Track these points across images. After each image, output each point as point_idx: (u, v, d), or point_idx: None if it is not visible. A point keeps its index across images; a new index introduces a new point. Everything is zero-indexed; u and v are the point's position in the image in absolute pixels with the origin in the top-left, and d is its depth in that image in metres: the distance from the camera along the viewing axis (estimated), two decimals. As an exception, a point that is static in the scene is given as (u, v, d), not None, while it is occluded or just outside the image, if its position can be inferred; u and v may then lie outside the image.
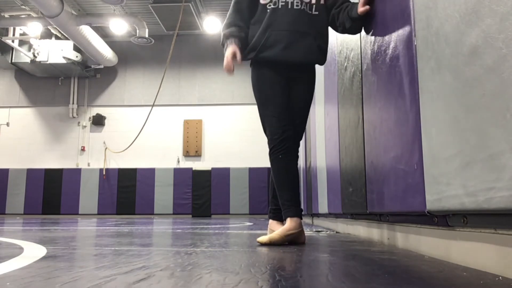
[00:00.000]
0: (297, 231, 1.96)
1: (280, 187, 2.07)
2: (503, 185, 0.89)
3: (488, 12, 0.93)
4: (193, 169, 11.90)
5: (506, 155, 0.87)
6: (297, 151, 2.19)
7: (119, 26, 10.29)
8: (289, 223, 1.97)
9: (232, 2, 2.22)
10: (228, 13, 2.22)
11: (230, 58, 2.07)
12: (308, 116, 2.29)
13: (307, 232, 2.94)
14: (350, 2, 2.13)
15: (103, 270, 1.10)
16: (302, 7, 2.11)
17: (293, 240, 1.96)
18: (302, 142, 6.19)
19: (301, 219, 2.03)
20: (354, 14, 1.99)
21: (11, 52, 11.61)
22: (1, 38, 10.67)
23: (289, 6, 2.10)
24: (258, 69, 2.17)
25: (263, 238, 1.95)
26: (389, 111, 1.65)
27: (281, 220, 2.19)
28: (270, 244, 1.90)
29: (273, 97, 2.11)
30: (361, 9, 1.92)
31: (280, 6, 2.11)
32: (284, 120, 2.07)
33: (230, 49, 2.09)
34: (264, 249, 1.74)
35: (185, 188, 11.70)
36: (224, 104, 11.58)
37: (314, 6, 2.13)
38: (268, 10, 2.12)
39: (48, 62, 11.54)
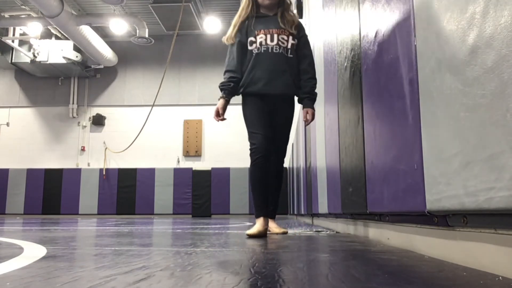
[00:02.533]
0: (267, 227, 2.64)
1: (255, 192, 2.67)
2: (503, 185, 0.89)
3: (488, 12, 0.93)
4: (193, 169, 11.91)
5: (506, 155, 0.87)
6: (280, 161, 2.85)
7: (119, 26, 10.29)
8: (263, 221, 2.59)
9: (228, 49, 2.76)
10: (226, 58, 2.76)
11: (215, 115, 2.74)
12: (289, 137, 2.89)
13: (307, 232, 2.94)
14: (305, 63, 2.76)
15: (103, 270, 1.10)
16: (281, 51, 2.67)
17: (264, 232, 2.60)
18: (302, 142, 6.19)
19: (268, 217, 2.69)
20: (299, 100, 2.79)
21: (11, 52, 11.62)
22: (1, 38, 10.67)
23: (270, 51, 2.66)
24: (246, 100, 2.73)
25: (252, 231, 2.51)
26: (389, 111, 1.65)
27: (273, 218, 2.89)
28: (259, 235, 2.50)
29: (256, 119, 2.67)
30: (304, 119, 2.77)
31: (262, 51, 2.67)
32: (263, 136, 2.61)
33: (217, 105, 2.73)
34: (264, 249, 1.74)
35: (185, 188, 11.70)
36: (224, 104, 11.55)
37: (289, 50, 2.71)
38: (253, 54, 2.67)
39: (48, 62, 11.54)
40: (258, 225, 2.57)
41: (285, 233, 2.75)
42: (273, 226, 2.83)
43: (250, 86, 2.67)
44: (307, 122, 2.77)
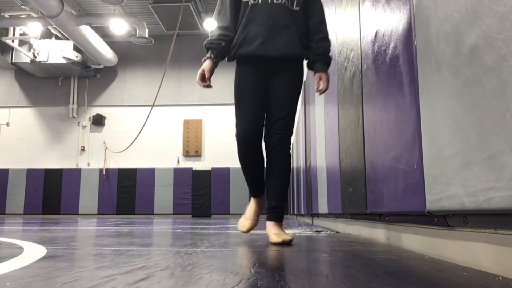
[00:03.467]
0: (255, 211, 2.30)
1: (244, 173, 2.26)
2: (503, 185, 0.89)
3: (488, 12, 0.93)
4: (193, 169, 11.91)
5: (506, 155, 0.87)
6: (283, 145, 2.13)
7: (119, 26, 10.29)
8: (257, 201, 2.31)
9: (218, 2, 2.24)
10: (215, 13, 2.23)
11: (199, 78, 2.12)
12: (296, 112, 2.22)
13: (307, 232, 2.94)
14: (316, 16, 2.19)
15: (103, 270, 1.10)
16: (283, 2, 2.10)
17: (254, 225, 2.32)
18: (302, 142, 6.18)
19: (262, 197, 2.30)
20: (309, 65, 2.19)
21: (11, 52, 11.61)
22: (1, 38, 10.67)
23: (269, 1, 2.09)
24: (238, 68, 2.17)
25: (244, 227, 2.32)
26: (389, 111, 1.65)
27: (278, 221, 2.13)
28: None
29: (245, 96, 2.13)
30: (316, 87, 2.13)
31: (260, 2, 2.10)
32: (251, 121, 2.11)
33: (203, 67, 2.13)
34: (263, 249, 1.74)
35: (185, 188, 11.70)
36: (224, 104, 11.58)
37: (295, 2, 2.13)
38: (249, 6, 2.12)
39: (48, 62, 11.54)
40: (247, 210, 2.32)
41: (289, 241, 1.95)
42: (273, 231, 2.05)
43: (243, 46, 2.11)
44: (320, 91, 2.13)
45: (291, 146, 2.20)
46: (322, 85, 2.11)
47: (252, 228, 2.30)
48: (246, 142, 2.12)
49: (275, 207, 2.13)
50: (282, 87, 2.14)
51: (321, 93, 2.15)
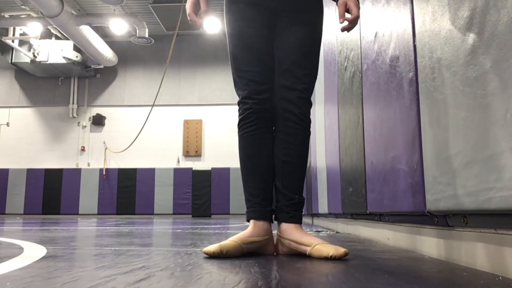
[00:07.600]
0: (263, 239, 1.47)
1: (246, 175, 1.60)
2: (503, 185, 0.89)
3: (488, 11, 0.93)
4: (193, 169, 11.91)
5: (506, 155, 0.87)
6: (301, 111, 1.51)
7: (119, 26, 10.29)
8: (252, 227, 1.48)
9: None
10: None
11: (191, 10, 1.52)
12: (318, 65, 1.59)
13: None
14: None
15: (103, 270, 1.10)
16: None
17: (256, 251, 1.46)
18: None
19: (271, 222, 1.52)
20: None
21: (11, 52, 11.61)
22: (1, 38, 10.67)
23: None
24: (231, 6, 1.57)
25: (211, 248, 1.39)
26: (389, 111, 1.65)
27: (300, 223, 1.56)
28: (222, 254, 1.35)
29: (247, 43, 1.52)
30: (340, 20, 1.46)
31: None
32: (260, 74, 1.51)
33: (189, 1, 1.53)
34: (264, 249, 1.74)
35: (185, 188, 11.70)
36: (224, 104, 11.57)
37: None
38: None
39: (48, 62, 11.54)
40: (241, 234, 1.47)
41: (344, 254, 1.39)
42: (312, 240, 1.47)
43: None
44: (348, 25, 1.46)
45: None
46: (352, 13, 1.44)
47: (225, 250, 1.36)
48: (257, 106, 1.49)
49: (299, 203, 1.52)
50: (298, 30, 1.53)
51: (348, 30, 1.47)
